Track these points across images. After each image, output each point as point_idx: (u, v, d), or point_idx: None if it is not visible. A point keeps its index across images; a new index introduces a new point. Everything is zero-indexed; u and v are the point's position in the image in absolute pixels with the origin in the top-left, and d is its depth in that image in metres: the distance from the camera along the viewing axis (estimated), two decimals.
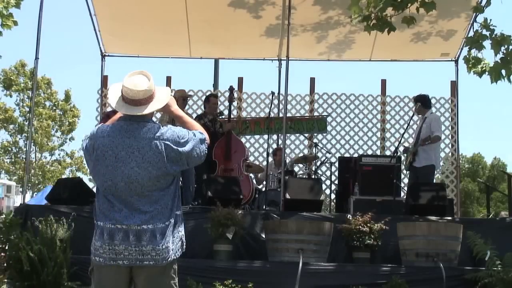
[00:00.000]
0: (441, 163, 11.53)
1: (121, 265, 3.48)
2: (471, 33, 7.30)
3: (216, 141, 9.09)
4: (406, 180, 10.47)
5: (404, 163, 9.18)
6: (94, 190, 10.07)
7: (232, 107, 9.78)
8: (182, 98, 8.84)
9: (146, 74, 3.50)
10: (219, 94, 11.37)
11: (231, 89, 9.63)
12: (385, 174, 8.60)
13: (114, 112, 8.13)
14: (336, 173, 10.12)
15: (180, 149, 3.45)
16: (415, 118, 10.73)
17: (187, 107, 10.05)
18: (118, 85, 3.53)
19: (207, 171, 8.79)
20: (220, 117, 9.58)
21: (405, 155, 9.20)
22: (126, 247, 3.44)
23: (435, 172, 9.44)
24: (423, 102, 9.06)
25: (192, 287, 6.23)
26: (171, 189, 3.50)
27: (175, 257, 3.48)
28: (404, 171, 10.16)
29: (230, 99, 9.61)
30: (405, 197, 8.91)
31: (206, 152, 3.58)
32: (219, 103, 10.96)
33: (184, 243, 3.57)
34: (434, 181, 11.15)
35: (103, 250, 3.56)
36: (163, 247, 3.41)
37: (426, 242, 6.94)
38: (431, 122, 8.86)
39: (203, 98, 10.97)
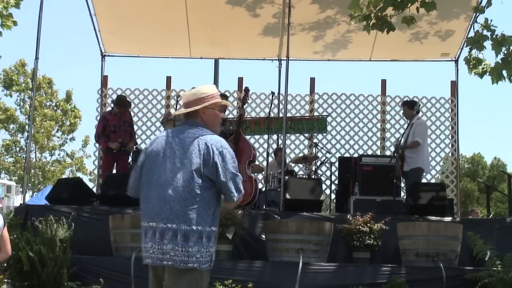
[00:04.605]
0: (441, 163, 11.54)
1: (149, 263, 3.53)
2: (472, 34, 7.31)
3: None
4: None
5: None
6: (94, 190, 10.10)
7: (250, 109, 9.71)
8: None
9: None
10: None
11: (246, 90, 9.52)
12: (385, 174, 8.59)
13: (110, 113, 8.24)
14: (336, 173, 10.12)
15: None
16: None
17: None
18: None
19: None
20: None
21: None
22: (152, 245, 3.50)
23: (424, 174, 9.44)
24: (408, 105, 9.23)
25: None
26: (203, 196, 3.51)
27: (196, 267, 3.45)
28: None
29: (244, 100, 9.53)
30: (404, 197, 8.91)
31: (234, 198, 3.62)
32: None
33: (213, 261, 3.56)
34: (434, 181, 11.20)
35: (143, 250, 3.63)
36: (183, 249, 3.42)
37: (426, 242, 6.94)
38: (415, 128, 8.95)
39: None
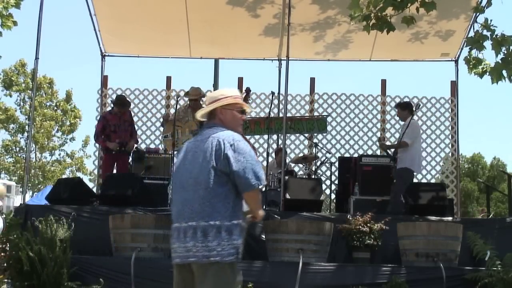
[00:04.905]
0: (441, 163, 11.54)
1: (178, 262, 3.62)
2: (472, 34, 7.31)
3: None
4: None
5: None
6: (94, 190, 10.10)
7: (249, 109, 9.72)
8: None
9: None
10: None
11: (247, 90, 9.55)
12: (385, 174, 8.59)
13: (110, 113, 8.25)
14: (336, 173, 10.12)
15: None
16: (415, 118, 10.72)
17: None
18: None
19: None
20: None
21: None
22: (179, 245, 3.60)
23: (415, 175, 9.17)
24: (401, 107, 9.08)
25: None
26: (213, 193, 3.58)
27: (218, 260, 3.52)
28: None
29: (245, 101, 9.53)
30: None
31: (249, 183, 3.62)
32: None
33: (239, 254, 3.62)
34: (434, 181, 11.19)
35: (172, 250, 3.70)
36: (203, 244, 3.51)
37: (426, 242, 6.95)
38: (405, 129, 8.74)
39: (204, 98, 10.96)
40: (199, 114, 3.88)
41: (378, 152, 11.28)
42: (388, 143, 11.42)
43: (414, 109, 9.17)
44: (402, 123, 11.18)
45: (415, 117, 9.86)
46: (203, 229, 3.53)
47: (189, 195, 3.61)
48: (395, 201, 8.19)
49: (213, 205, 3.55)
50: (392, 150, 9.09)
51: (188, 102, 9.08)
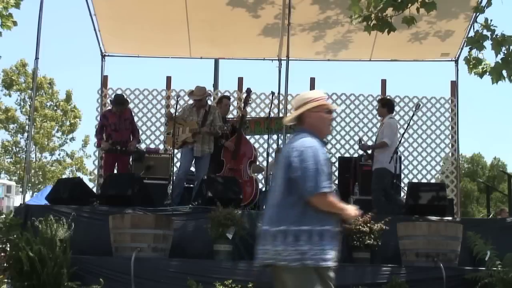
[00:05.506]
0: (441, 163, 11.54)
1: (257, 263, 3.85)
2: (472, 33, 7.31)
3: (225, 141, 9.13)
4: (406, 180, 10.48)
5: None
6: (94, 190, 10.09)
7: (249, 109, 9.83)
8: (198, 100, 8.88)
9: None
10: (219, 94, 11.37)
11: (248, 91, 9.54)
12: None
13: (110, 111, 8.13)
14: (336, 173, 10.11)
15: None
16: (415, 118, 10.72)
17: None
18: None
19: (214, 170, 8.83)
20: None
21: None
22: (258, 246, 3.80)
23: (392, 174, 9.06)
24: (381, 103, 9.04)
25: (192, 287, 6.24)
26: (284, 200, 3.69)
27: (287, 265, 3.62)
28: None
29: (246, 101, 9.55)
30: (404, 197, 8.87)
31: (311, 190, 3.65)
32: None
33: (305, 260, 3.60)
34: (434, 181, 11.19)
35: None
36: (273, 249, 3.66)
37: (426, 242, 6.95)
38: (384, 129, 8.69)
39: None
40: (287, 120, 3.99)
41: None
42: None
43: (414, 109, 9.16)
44: (402, 122, 11.25)
45: (415, 118, 9.89)
46: (273, 234, 3.66)
47: (271, 201, 3.79)
48: (378, 202, 8.17)
49: (282, 211, 3.67)
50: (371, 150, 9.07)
51: (193, 101, 9.08)
